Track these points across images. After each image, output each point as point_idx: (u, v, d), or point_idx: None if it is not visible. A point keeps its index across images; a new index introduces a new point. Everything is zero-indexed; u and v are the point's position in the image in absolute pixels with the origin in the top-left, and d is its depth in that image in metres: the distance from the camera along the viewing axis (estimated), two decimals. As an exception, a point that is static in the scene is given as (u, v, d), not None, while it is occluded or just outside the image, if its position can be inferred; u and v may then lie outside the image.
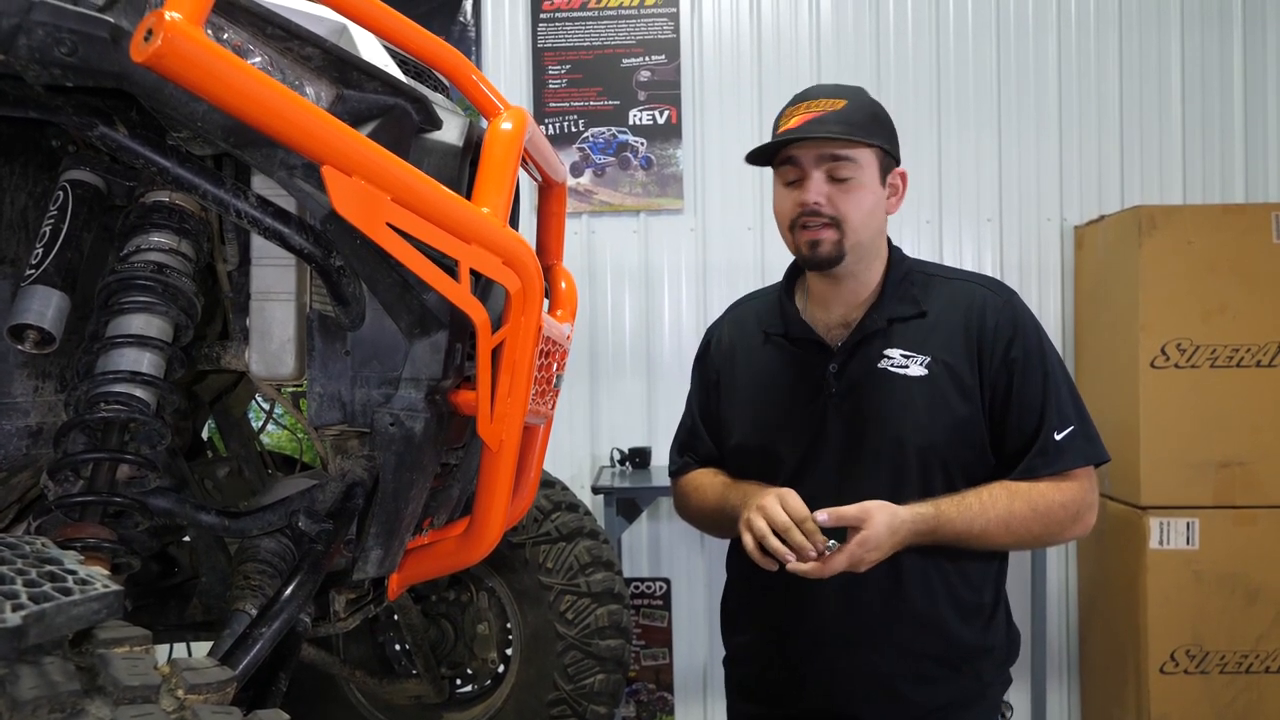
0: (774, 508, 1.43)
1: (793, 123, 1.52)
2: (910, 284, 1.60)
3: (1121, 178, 3.39)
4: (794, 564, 1.39)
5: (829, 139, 1.50)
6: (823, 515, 1.40)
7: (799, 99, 1.57)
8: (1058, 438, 1.50)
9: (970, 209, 3.41)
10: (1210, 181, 3.39)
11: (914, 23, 3.42)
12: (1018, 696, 3.01)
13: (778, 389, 1.63)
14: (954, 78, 3.40)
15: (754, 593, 1.65)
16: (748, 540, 1.44)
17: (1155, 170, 3.39)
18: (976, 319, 1.55)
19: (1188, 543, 2.87)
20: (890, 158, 1.57)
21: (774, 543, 1.41)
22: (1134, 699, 2.95)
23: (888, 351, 1.56)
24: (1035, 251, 3.41)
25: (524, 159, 1.39)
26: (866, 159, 1.52)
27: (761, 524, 1.43)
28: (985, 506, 1.47)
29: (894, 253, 1.63)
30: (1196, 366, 2.88)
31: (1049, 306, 3.41)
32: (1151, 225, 2.90)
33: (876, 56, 3.42)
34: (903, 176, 1.60)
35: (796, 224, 1.53)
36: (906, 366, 1.55)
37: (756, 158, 1.58)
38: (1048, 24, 3.40)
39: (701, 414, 1.73)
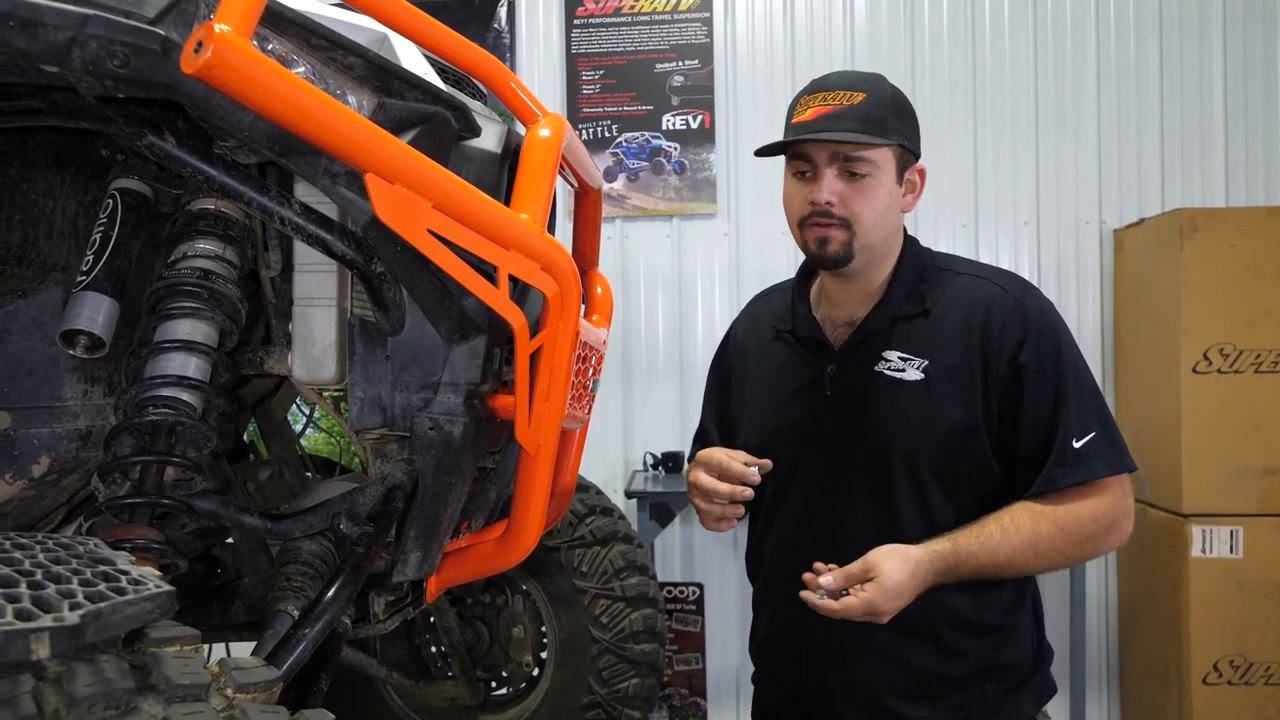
0: (711, 455, 1.45)
1: (807, 114, 1.44)
2: (921, 280, 1.51)
3: (1162, 180, 3.35)
4: (813, 599, 1.31)
5: (843, 142, 1.41)
6: (827, 579, 1.31)
7: (815, 87, 1.46)
8: (1077, 445, 1.39)
9: (1007, 212, 3.38)
10: (1253, 183, 3.33)
11: (949, 24, 3.39)
12: (1056, 707, 2.98)
13: (781, 388, 1.57)
14: (990, 79, 3.38)
15: (763, 604, 1.63)
16: (697, 504, 1.46)
17: (1197, 172, 3.34)
18: (981, 318, 1.44)
19: (1231, 551, 2.82)
20: (909, 154, 1.48)
21: (706, 481, 1.43)
22: (1176, 710, 2.90)
23: (886, 354, 1.48)
24: (1074, 255, 3.37)
25: (561, 165, 1.40)
26: (883, 157, 1.43)
27: (699, 474, 1.44)
28: (1008, 533, 1.36)
29: (908, 247, 1.53)
30: (1240, 372, 2.83)
31: (1087, 311, 3.37)
32: (1193, 228, 2.85)
33: (911, 58, 3.40)
34: (921, 173, 1.52)
35: (806, 221, 1.46)
36: (903, 370, 1.46)
37: (768, 149, 1.50)
38: (1086, 25, 3.36)
39: (714, 415, 1.70)
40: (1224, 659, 2.81)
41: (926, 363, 1.45)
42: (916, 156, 1.50)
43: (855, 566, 1.32)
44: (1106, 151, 3.35)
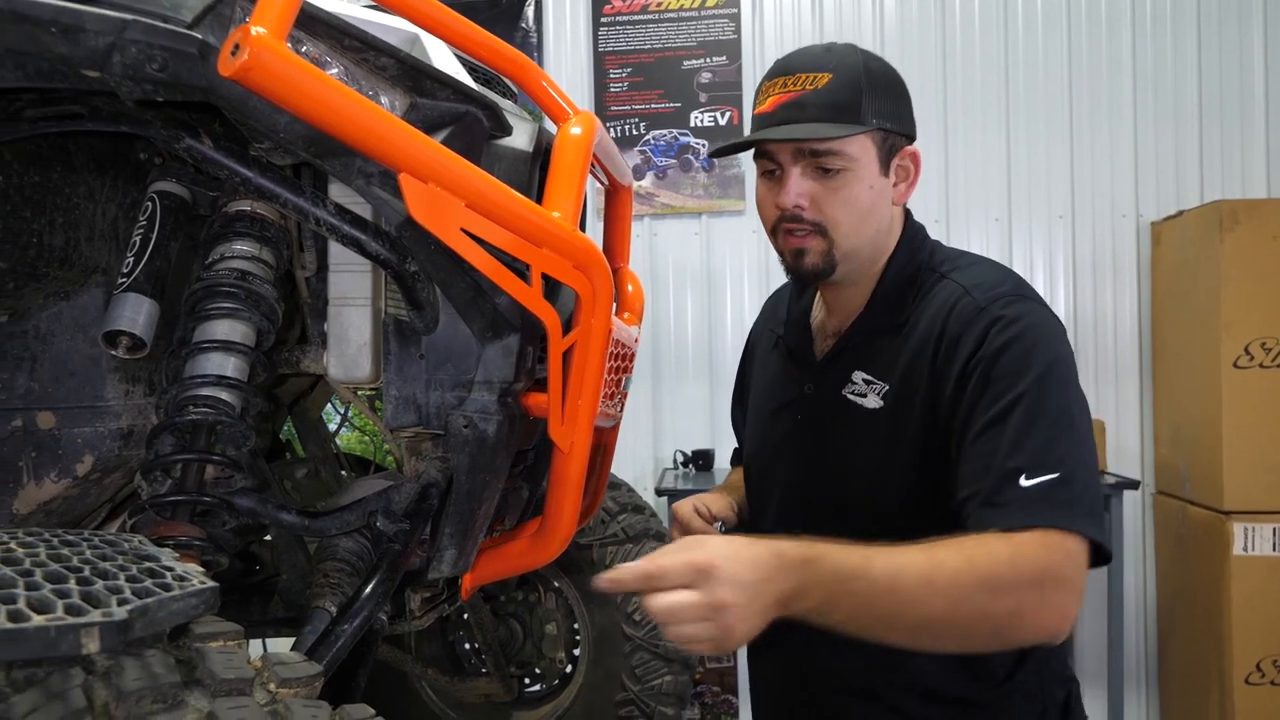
0: (680, 511, 1.41)
1: (767, 104, 1.25)
2: (910, 285, 1.29)
3: (1201, 171, 3.29)
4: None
5: (803, 140, 1.21)
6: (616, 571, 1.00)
7: (776, 70, 1.26)
8: (1025, 484, 1.08)
9: (1041, 206, 3.34)
10: (1295, 174, 3.28)
11: (981, 15, 3.36)
12: (1094, 707, 2.94)
13: (769, 402, 1.43)
14: (1023, 71, 3.34)
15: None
16: None
17: (1236, 163, 3.28)
18: (938, 331, 1.21)
19: (1274, 549, 2.77)
20: (895, 137, 1.26)
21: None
22: (1217, 711, 2.85)
23: (855, 375, 1.29)
24: (1110, 249, 3.33)
25: (592, 163, 1.41)
26: (860, 147, 1.22)
27: (674, 533, 1.41)
28: (900, 552, 1.02)
29: (904, 244, 1.31)
30: (1282, 366, 2.78)
31: (1124, 305, 3.32)
32: (1233, 220, 2.81)
33: (943, 51, 3.37)
34: (914, 158, 1.29)
35: (778, 228, 1.27)
36: (865, 397, 1.27)
37: (721, 150, 1.32)
38: (1121, 14, 3.31)
39: (740, 420, 1.61)
40: (1267, 659, 2.76)
41: (887, 387, 1.25)
42: (909, 138, 1.29)
43: (664, 553, 0.98)
44: (1143, 142, 3.31)
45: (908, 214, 1.34)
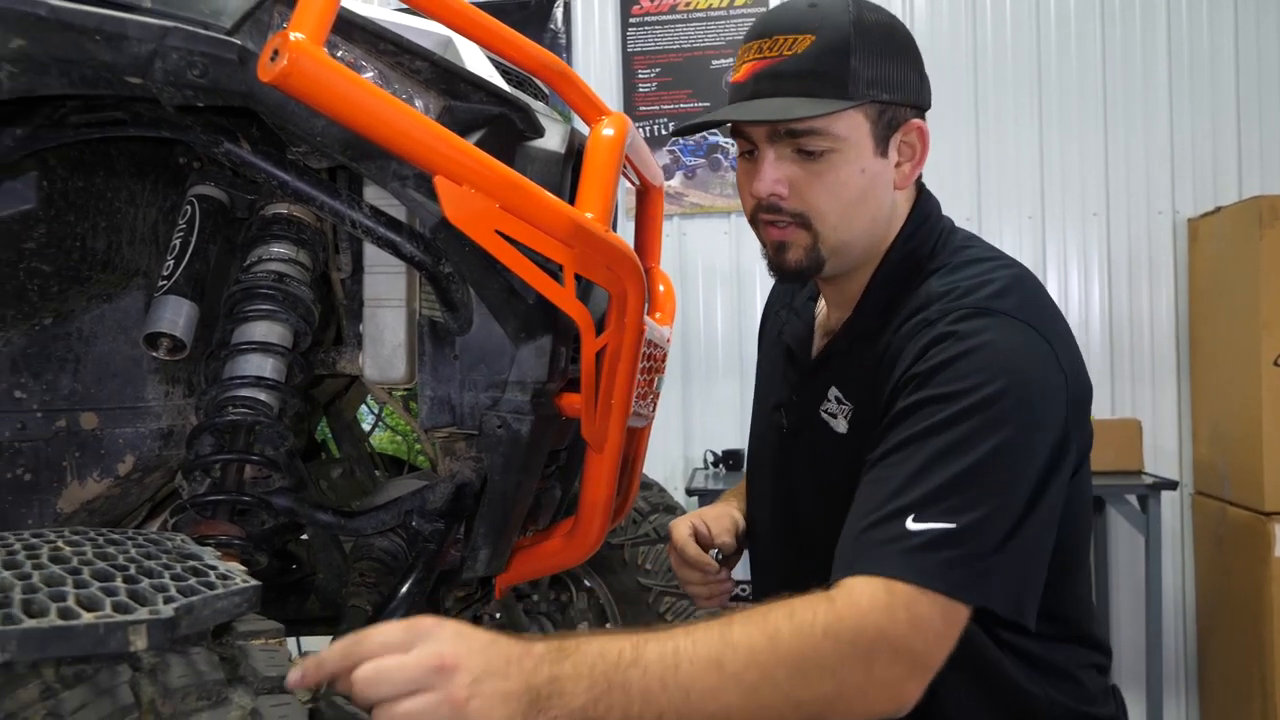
0: (676, 531, 1.29)
1: (740, 72, 1.08)
2: (904, 282, 1.10)
3: (1239, 166, 3.24)
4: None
5: (774, 122, 1.04)
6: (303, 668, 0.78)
7: (752, 32, 1.09)
8: (910, 526, 0.89)
9: (1075, 203, 3.30)
10: (1337, 168, 3.22)
11: (1012, 9, 3.33)
12: (1133, 710, 2.91)
13: (764, 404, 1.30)
14: (1056, 65, 3.30)
15: None
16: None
17: (1275, 158, 3.22)
18: (885, 346, 1.05)
19: (1316, 550, 2.72)
20: (896, 109, 1.07)
21: (676, 568, 1.29)
22: (1259, 714, 2.80)
23: (831, 390, 1.13)
24: (1145, 246, 3.28)
25: (624, 164, 1.41)
26: (849, 124, 1.04)
27: (671, 554, 1.30)
28: (685, 639, 0.82)
29: (903, 233, 1.12)
30: (1324, 364, 2.73)
31: (1161, 304, 3.28)
32: (1273, 216, 2.76)
33: (974, 46, 3.34)
34: (920, 132, 1.10)
35: (755, 218, 1.12)
36: (835, 417, 1.11)
37: (683, 129, 1.18)
38: (1157, 6, 3.26)
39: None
40: (1310, 662, 2.71)
41: (852, 409, 1.09)
42: (917, 109, 1.10)
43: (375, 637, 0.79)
44: (1179, 138, 3.26)
45: (920, 192, 1.16)
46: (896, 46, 1.07)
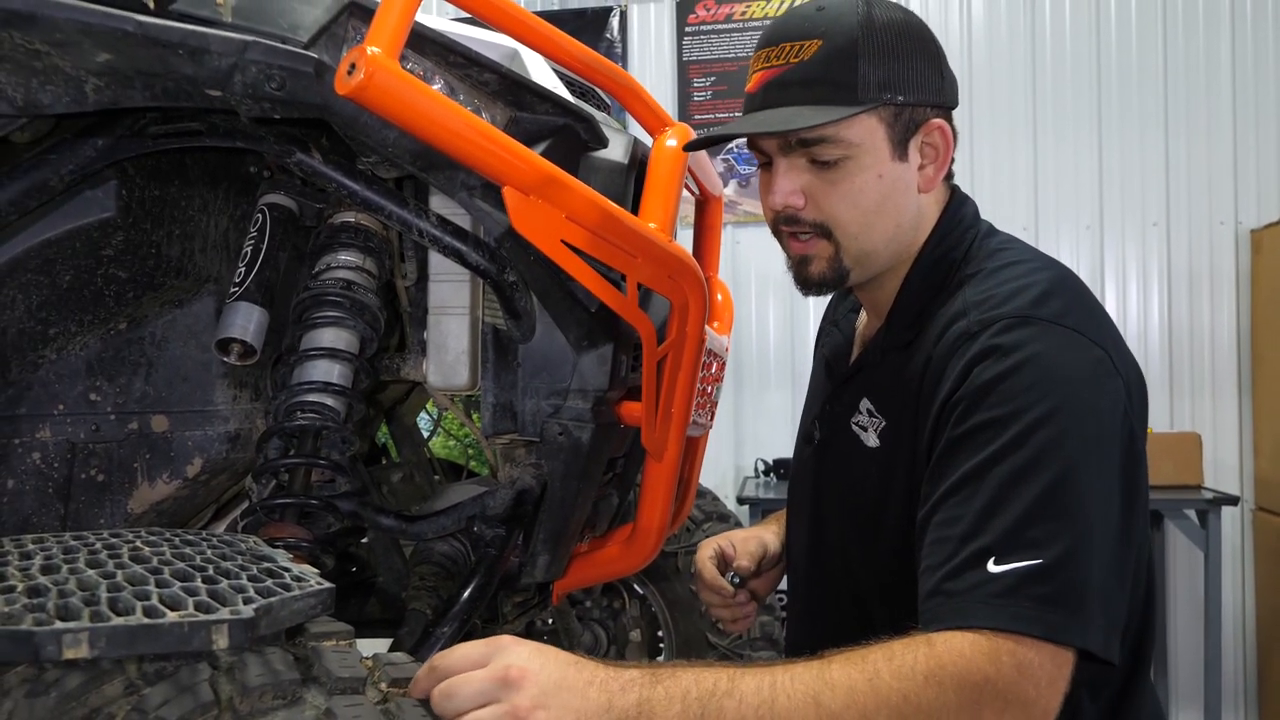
0: (702, 552, 1.27)
1: (751, 82, 1.06)
2: (932, 289, 1.06)
3: (1304, 176, 3.16)
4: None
5: (778, 132, 1.02)
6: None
7: (762, 40, 1.06)
8: (994, 569, 0.85)
9: (1135, 213, 3.25)
10: None
11: (1072, 20, 3.28)
12: (1191, 729, 2.85)
13: (808, 411, 1.27)
14: (1116, 75, 3.25)
15: None
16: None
17: (1344, 167, 3.14)
18: (924, 360, 1.01)
19: (1387, 570, 2.64)
20: (915, 109, 1.02)
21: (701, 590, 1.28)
22: (1324, 738, 2.73)
23: (862, 402, 1.09)
24: (1206, 257, 3.22)
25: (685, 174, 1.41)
26: (863, 129, 1.01)
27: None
28: (782, 674, 0.81)
29: (934, 237, 1.08)
30: (1396, 379, 2.66)
31: (1222, 316, 3.21)
32: (1342, 227, 2.69)
33: (1032, 55, 3.30)
34: (942, 132, 1.05)
35: (776, 229, 1.10)
36: (866, 431, 1.08)
37: (695, 144, 1.18)
38: (1220, 16, 3.20)
39: None
40: (1379, 685, 2.63)
41: (884, 423, 1.05)
42: (940, 108, 1.05)
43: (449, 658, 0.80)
44: (1242, 147, 3.19)
45: (953, 192, 1.12)
46: (910, 45, 1.02)
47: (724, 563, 1.28)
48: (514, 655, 0.78)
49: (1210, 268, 3.22)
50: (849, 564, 1.08)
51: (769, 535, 1.33)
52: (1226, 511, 2.97)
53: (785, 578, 1.31)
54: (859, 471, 1.07)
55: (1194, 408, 3.19)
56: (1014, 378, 0.90)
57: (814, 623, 1.14)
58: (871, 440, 1.06)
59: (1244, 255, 3.19)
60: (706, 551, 1.28)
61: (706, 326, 1.31)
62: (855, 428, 1.09)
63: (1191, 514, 2.94)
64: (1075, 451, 0.88)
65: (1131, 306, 3.25)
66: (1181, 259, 3.23)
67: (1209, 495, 2.90)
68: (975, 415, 0.91)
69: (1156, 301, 3.24)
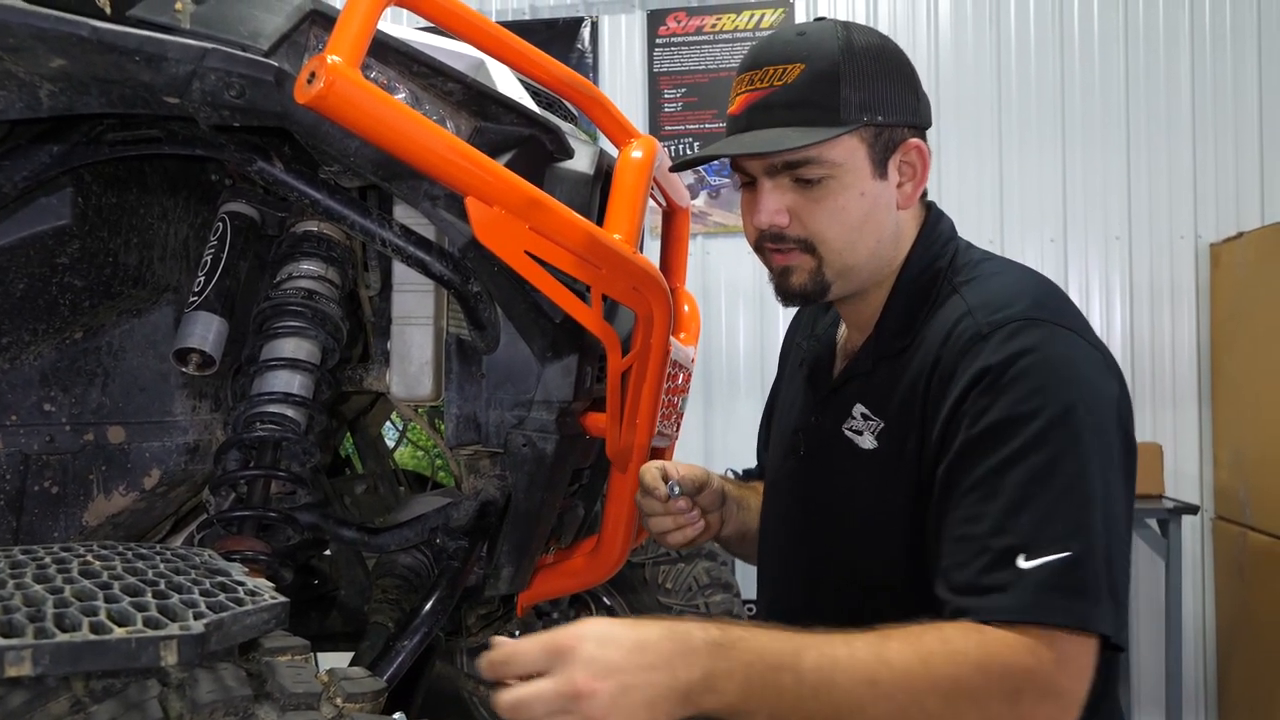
0: (644, 466, 1.23)
1: (734, 105, 1.11)
2: (922, 300, 1.10)
3: (1262, 191, 3.22)
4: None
5: (762, 154, 1.06)
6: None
7: (744, 64, 1.10)
8: (1025, 565, 0.88)
9: (1097, 226, 3.29)
10: (1363, 194, 3.19)
11: (1036, 35, 3.33)
12: (1153, 737, 2.88)
13: (784, 427, 1.28)
14: (1079, 92, 3.30)
15: None
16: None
17: (1300, 182, 3.21)
18: (932, 362, 1.03)
19: (1342, 579, 2.69)
20: (893, 130, 1.07)
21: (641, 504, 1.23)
22: (1282, 744, 2.77)
23: (855, 408, 1.11)
24: (1167, 271, 3.27)
25: (651, 186, 1.42)
26: (845, 149, 1.05)
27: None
28: (841, 649, 0.84)
29: (917, 250, 1.12)
30: (1350, 391, 2.71)
31: (1182, 328, 3.26)
32: (1298, 241, 2.75)
33: (997, 70, 3.34)
34: (920, 151, 1.09)
35: (760, 246, 1.12)
36: (861, 434, 1.09)
37: (681, 165, 1.20)
38: (1180, 32, 3.26)
39: (762, 434, 1.49)
40: (1335, 692, 2.68)
41: (881, 425, 1.08)
42: (915, 128, 1.09)
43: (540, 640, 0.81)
44: (1202, 162, 3.25)
45: (929, 209, 1.16)
46: (888, 68, 1.07)
47: (665, 477, 1.24)
48: (578, 665, 0.78)
49: (1171, 281, 3.27)
50: (851, 571, 1.09)
51: (714, 476, 1.32)
52: (1187, 520, 3.01)
53: (757, 590, 1.30)
54: (854, 474, 1.10)
55: (1155, 419, 3.24)
56: (1029, 378, 0.94)
57: (797, 613, 1.11)
58: (868, 442, 1.08)
59: (1204, 269, 3.25)
60: (650, 466, 1.26)
61: (672, 338, 1.31)
62: (848, 433, 1.11)
63: (1153, 523, 2.98)
64: (1090, 446, 0.93)
65: (1094, 318, 3.29)
66: (1143, 272, 3.28)
67: (1170, 505, 2.94)
68: (992, 414, 0.94)
69: (1119, 314, 3.29)
